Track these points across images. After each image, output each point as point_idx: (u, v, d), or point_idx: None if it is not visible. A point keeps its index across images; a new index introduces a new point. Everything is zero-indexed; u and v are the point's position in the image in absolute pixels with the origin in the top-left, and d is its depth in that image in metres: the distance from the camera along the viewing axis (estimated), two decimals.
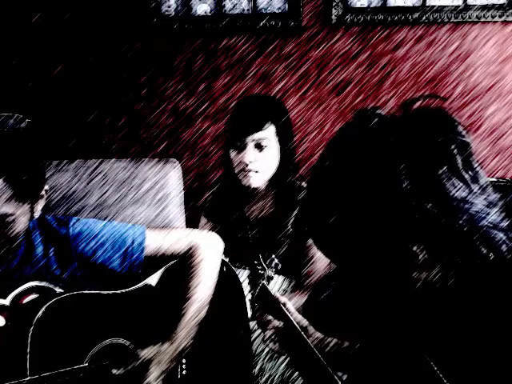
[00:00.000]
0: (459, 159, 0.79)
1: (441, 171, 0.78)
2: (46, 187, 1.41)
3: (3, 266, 1.39)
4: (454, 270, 0.80)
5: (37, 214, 1.39)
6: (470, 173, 0.80)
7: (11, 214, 1.28)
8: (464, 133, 0.82)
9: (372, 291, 0.88)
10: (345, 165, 0.82)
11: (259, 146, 1.85)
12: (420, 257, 0.80)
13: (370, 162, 0.79)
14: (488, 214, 0.80)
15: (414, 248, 0.79)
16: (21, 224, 1.32)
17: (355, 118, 0.86)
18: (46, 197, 1.41)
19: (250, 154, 1.85)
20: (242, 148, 1.86)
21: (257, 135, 1.84)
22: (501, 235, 0.80)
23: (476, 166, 0.81)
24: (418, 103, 0.85)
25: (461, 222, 0.78)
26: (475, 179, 0.80)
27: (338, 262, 0.92)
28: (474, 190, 0.80)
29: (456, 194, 0.78)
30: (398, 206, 0.78)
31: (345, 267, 0.90)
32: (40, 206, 1.39)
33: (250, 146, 1.85)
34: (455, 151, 0.79)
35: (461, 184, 0.79)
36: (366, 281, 0.87)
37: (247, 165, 1.84)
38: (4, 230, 1.29)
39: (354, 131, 0.85)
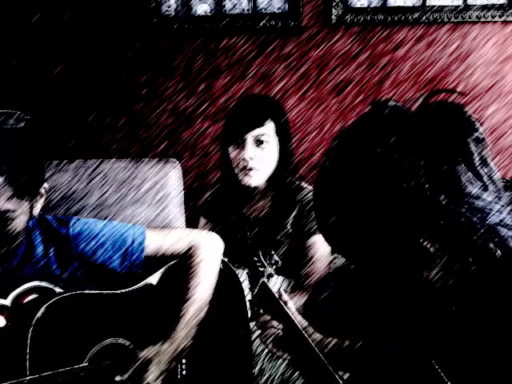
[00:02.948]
0: (475, 154, 0.79)
1: (457, 166, 0.77)
2: (46, 185, 1.41)
3: (3, 265, 1.39)
4: (461, 266, 0.80)
5: (36, 212, 1.39)
6: (484, 168, 0.80)
7: (12, 211, 1.29)
8: (480, 129, 0.82)
9: (383, 286, 0.88)
10: (358, 157, 0.81)
11: (259, 142, 1.86)
12: (429, 251, 0.80)
13: (384, 155, 0.79)
14: (497, 210, 0.80)
15: (425, 243, 0.79)
16: (21, 221, 1.32)
17: (370, 110, 0.86)
18: (45, 195, 1.41)
19: (250, 151, 1.85)
20: (241, 145, 1.86)
21: (257, 131, 1.85)
22: (508, 231, 0.80)
23: (490, 162, 0.81)
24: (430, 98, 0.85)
25: (471, 216, 0.78)
26: (489, 176, 0.80)
27: (347, 256, 0.91)
28: (488, 187, 0.80)
29: (471, 190, 0.78)
30: (412, 200, 0.77)
31: (354, 262, 0.90)
32: (39, 204, 1.39)
33: (250, 142, 1.85)
34: (472, 146, 0.79)
35: (476, 180, 0.78)
36: (378, 275, 0.87)
37: (247, 162, 1.85)
38: (4, 228, 1.29)
39: (369, 123, 0.84)
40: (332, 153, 0.85)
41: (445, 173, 0.77)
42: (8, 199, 1.27)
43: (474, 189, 0.78)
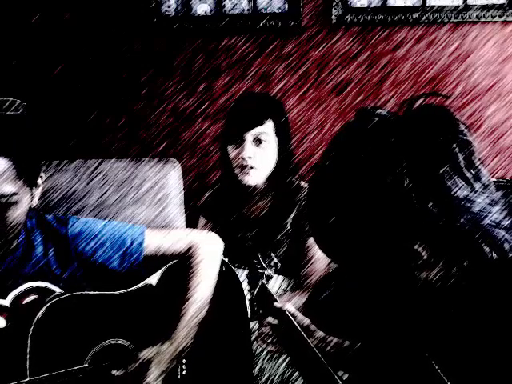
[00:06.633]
0: (461, 158, 0.79)
1: (442, 170, 0.77)
2: (42, 174, 1.42)
3: (3, 265, 1.39)
4: (457, 269, 0.80)
5: (35, 202, 1.40)
6: (471, 171, 0.80)
7: (15, 193, 1.30)
8: (466, 131, 0.82)
9: (374, 290, 0.88)
10: (346, 164, 0.82)
11: (258, 141, 1.86)
12: (423, 256, 0.80)
13: (371, 162, 0.79)
14: (490, 212, 0.80)
15: (416, 247, 0.79)
16: (22, 209, 1.33)
17: (356, 118, 0.86)
18: (42, 185, 1.42)
19: (248, 149, 1.85)
20: (240, 143, 1.87)
21: (256, 130, 1.85)
22: (503, 233, 0.80)
23: (478, 164, 0.81)
24: (419, 101, 0.85)
25: (462, 220, 0.78)
26: (477, 177, 0.80)
27: (339, 261, 0.91)
28: (477, 189, 0.79)
29: (458, 193, 0.78)
30: (400, 206, 0.78)
31: (346, 267, 0.90)
32: (37, 194, 1.40)
33: (249, 140, 1.85)
34: (457, 150, 0.79)
35: (463, 183, 0.78)
36: (368, 280, 0.87)
37: (246, 161, 1.85)
38: (7, 213, 1.30)
39: (355, 130, 0.85)
40: (322, 161, 0.86)
41: (431, 178, 0.78)
42: (12, 182, 1.28)
43: (462, 192, 0.78)
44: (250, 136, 1.85)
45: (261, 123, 1.85)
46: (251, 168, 1.86)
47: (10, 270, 1.40)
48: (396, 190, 0.77)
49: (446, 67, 2.56)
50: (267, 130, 1.87)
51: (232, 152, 1.89)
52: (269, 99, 2.02)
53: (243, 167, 1.86)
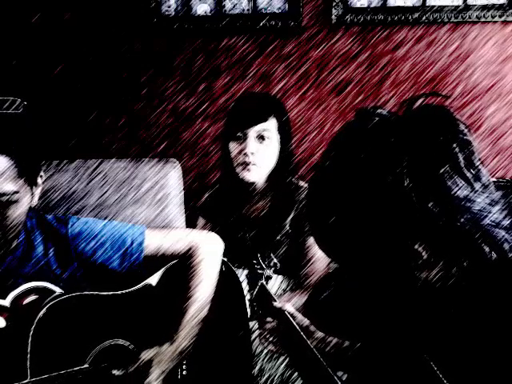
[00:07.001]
0: (461, 158, 0.79)
1: (442, 170, 0.78)
2: (43, 174, 1.42)
3: (3, 265, 1.39)
4: (457, 269, 0.80)
5: (35, 202, 1.40)
6: (472, 171, 0.80)
7: (16, 192, 1.30)
8: (466, 131, 0.82)
9: (374, 290, 0.88)
10: (346, 164, 0.82)
11: (261, 138, 1.86)
12: (423, 256, 0.80)
13: (372, 161, 0.79)
14: (490, 212, 0.80)
15: (416, 247, 0.79)
16: (23, 208, 1.33)
17: (356, 118, 0.87)
18: (41, 185, 1.42)
19: (251, 145, 1.85)
20: (243, 139, 1.87)
21: (259, 126, 1.85)
22: (503, 233, 0.80)
23: (478, 164, 0.81)
24: (419, 101, 0.85)
25: (463, 220, 0.78)
26: (477, 177, 0.80)
27: (339, 261, 0.91)
28: (476, 189, 0.80)
29: (458, 193, 0.78)
30: (400, 205, 0.78)
31: (346, 266, 0.90)
32: (37, 194, 1.40)
33: (252, 137, 1.86)
34: (457, 150, 0.79)
35: (463, 182, 0.78)
36: (368, 280, 0.87)
37: (248, 156, 1.85)
38: (8, 212, 1.30)
39: (355, 130, 0.85)
40: (322, 161, 0.86)
41: (431, 177, 0.78)
42: (13, 180, 1.29)
43: (462, 192, 0.78)
44: (253, 132, 1.86)
45: (264, 120, 1.86)
46: (252, 164, 1.86)
47: (10, 270, 1.40)
48: (396, 189, 0.77)
49: (446, 67, 2.56)
50: (270, 126, 1.87)
51: (234, 149, 1.89)
52: (270, 98, 2.04)
53: (245, 164, 1.87)
